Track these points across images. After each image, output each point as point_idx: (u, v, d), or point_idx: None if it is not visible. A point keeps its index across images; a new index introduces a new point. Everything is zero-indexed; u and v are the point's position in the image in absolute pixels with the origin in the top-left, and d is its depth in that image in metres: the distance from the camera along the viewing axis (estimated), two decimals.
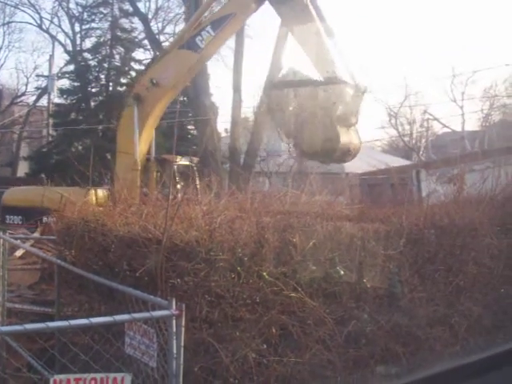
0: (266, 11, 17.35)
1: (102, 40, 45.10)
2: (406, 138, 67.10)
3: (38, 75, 55.58)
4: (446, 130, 67.13)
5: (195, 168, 20.87)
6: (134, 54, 46.16)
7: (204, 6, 18.76)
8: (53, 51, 52.71)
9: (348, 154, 16.15)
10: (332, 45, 16.09)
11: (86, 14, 48.82)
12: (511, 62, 61.07)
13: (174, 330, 6.36)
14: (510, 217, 10.64)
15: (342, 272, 8.47)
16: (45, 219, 14.72)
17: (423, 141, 69.13)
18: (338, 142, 15.42)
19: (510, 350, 4.26)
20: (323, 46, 15.89)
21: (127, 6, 44.46)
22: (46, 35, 56.17)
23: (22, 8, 55.24)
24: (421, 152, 65.23)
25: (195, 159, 21.84)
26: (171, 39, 48.82)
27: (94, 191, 14.37)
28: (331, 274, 8.40)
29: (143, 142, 17.28)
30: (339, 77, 15.65)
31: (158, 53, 44.88)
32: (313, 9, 16.00)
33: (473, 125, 72.02)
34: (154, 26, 47.33)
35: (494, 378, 3.75)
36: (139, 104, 16.96)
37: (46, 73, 51.47)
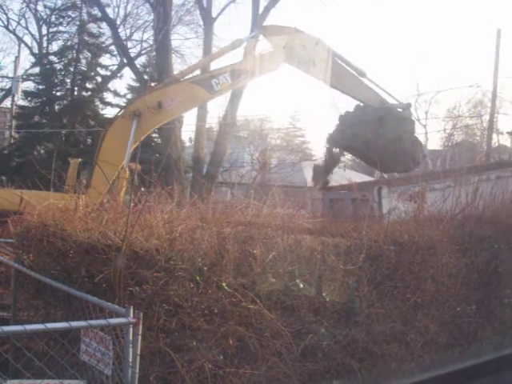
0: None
1: (68, 44, 44.72)
2: None
3: (2, 76, 54.99)
4: None
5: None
6: (100, 60, 45.88)
7: (220, 52, 19.54)
8: (19, 53, 52.24)
9: None
10: (367, 81, 18.37)
11: (53, 16, 48.39)
12: (475, 83, 61.86)
13: (131, 338, 6.33)
14: (468, 236, 10.74)
15: (302, 285, 8.49)
16: None
17: None
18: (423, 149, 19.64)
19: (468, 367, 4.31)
20: (363, 84, 18.26)
21: (96, 11, 44.21)
22: (13, 36, 55.52)
23: None
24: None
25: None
26: (138, 46, 48.71)
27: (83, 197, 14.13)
28: (290, 287, 8.41)
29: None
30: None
31: (124, 59, 44.83)
32: (341, 61, 18.07)
33: (435, 144, 72.71)
34: (122, 32, 46.90)
35: None
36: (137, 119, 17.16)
37: (10, 74, 50.98)
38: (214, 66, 19.39)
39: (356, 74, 17.95)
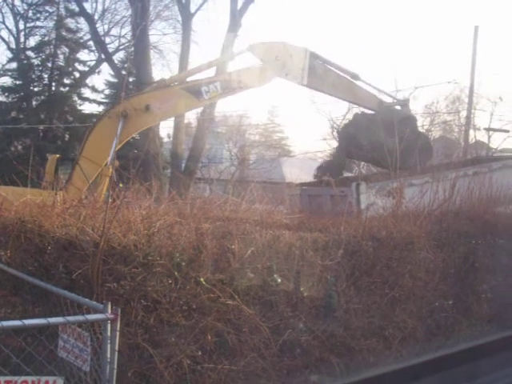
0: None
1: (46, 39, 44.33)
2: None
3: None
4: None
5: None
6: (78, 55, 45.59)
7: (211, 63, 19.42)
8: None
9: None
10: (362, 84, 18.22)
11: (31, 11, 47.98)
12: (453, 80, 62.09)
13: (109, 334, 6.31)
14: (446, 232, 10.80)
15: (280, 280, 8.50)
16: None
17: None
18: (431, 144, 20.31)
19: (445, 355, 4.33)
20: (359, 88, 18.11)
21: (73, 6, 43.93)
22: None
23: None
24: (362, 164, 65.67)
25: None
26: (116, 41, 48.53)
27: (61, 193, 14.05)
28: (268, 283, 8.42)
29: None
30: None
31: (102, 55, 44.63)
32: (333, 68, 17.92)
33: None
34: (100, 28, 46.68)
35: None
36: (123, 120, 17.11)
37: None
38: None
39: (350, 78, 17.87)
